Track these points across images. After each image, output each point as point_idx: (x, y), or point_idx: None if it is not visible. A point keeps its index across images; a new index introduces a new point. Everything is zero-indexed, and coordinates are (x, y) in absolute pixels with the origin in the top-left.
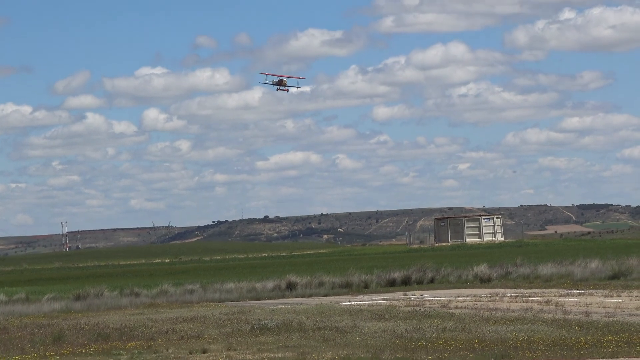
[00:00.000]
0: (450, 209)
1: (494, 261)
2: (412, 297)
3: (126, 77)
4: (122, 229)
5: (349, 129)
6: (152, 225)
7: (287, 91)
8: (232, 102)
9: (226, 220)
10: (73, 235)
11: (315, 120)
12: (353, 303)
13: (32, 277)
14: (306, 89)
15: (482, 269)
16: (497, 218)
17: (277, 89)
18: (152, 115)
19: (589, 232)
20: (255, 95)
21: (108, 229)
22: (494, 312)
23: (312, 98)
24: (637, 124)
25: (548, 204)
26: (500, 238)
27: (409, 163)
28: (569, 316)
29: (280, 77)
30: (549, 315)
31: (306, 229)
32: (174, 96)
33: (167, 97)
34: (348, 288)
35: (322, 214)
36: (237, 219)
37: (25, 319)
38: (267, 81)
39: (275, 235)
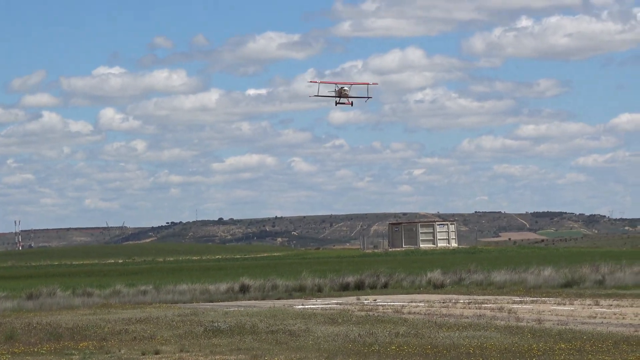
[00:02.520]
0: (404, 214)
1: (448, 267)
2: (366, 301)
3: (83, 77)
4: (76, 229)
5: (304, 133)
6: (105, 226)
7: (352, 104)
8: (188, 104)
9: (180, 222)
10: (26, 234)
11: (272, 123)
12: (306, 307)
13: None
14: (262, 91)
15: (436, 274)
16: (451, 224)
17: (337, 102)
18: (109, 114)
19: (542, 240)
20: (212, 96)
21: (61, 228)
22: (447, 318)
23: (269, 101)
24: (592, 133)
25: (502, 211)
26: (454, 244)
27: (364, 168)
28: (522, 323)
29: (341, 85)
30: (502, 322)
31: (260, 231)
32: (130, 96)
33: (124, 97)
34: (301, 292)
35: (276, 217)
36: (191, 221)
37: None
38: (319, 93)
39: (229, 237)
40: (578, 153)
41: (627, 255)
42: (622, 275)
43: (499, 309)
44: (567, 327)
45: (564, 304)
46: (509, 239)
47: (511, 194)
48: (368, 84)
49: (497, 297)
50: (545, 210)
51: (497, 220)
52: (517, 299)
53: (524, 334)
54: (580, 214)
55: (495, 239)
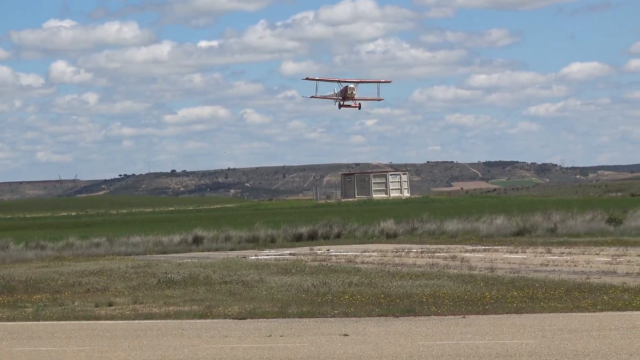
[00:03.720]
0: (357, 164)
1: (400, 217)
2: (319, 252)
3: (34, 30)
4: (28, 182)
5: (257, 84)
6: (58, 179)
7: (359, 108)
8: (140, 56)
9: (133, 174)
10: None
11: (224, 75)
12: (260, 257)
13: None
14: (214, 43)
15: (389, 224)
16: (403, 174)
17: (341, 105)
18: (60, 68)
19: (494, 189)
20: (164, 49)
21: (14, 182)
22: (400, 268)
23: (220, 52)
24: (544, 82)
25: (454, 161)
26: (406, 194)
27: (316, 119)
28: (474, 272)
29: (345, 84)
30: (455, 271)
31: (213, 183)
32: (82, 49)
33: (75, 50)
34: (255, 242)
35: (229, 168)
36: (144, 173)
37: None
38: (317, 93)
39: (182, 189)
40: (529, 102)
41: (578, 204)
42: (573, 223)
43: (452, 258)
44: (519, 275)
45: (516, 252)
46: (461, 188)
47: (463, 143)
48: (379, 81)
49: (449, 246)
50: (497, 160)
51: (449, 170)
52: (470, 247)
53: (476, 282)
54: (532, 163)
55: (448, 189)
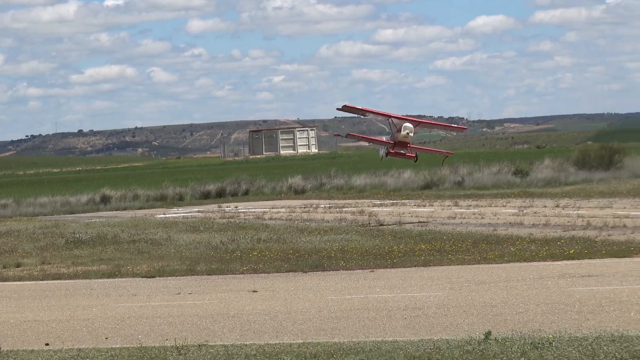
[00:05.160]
0: (264, 121)
1: (309, 173)
2: (227, 209)
3: None
4: None
5: (163, 42)
6: None
7: (416, 160)
8: (46, 16)
9: (40, 135)
10: None
11: (130, 34)
12: (168, 215)
13: None
14: (120, 2)
15: (297, 180)
16: (311, 130)
17: (388, 153)
18: None
19: None
20: (70, 8)
21: None
22: (308, 223)
23: (127, 11)
24: (450, 36)
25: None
26: (314, 150)
27: (223, 76)
28: (383, 226)
29: (398, 121)
30: (363, 226)
31: (120, 142)
32: None
33: None
34: (163, 201)
35: (136, 127)
36: (50, 133)
37: None
38: (355, 133)
39: (89, 149)
40: (436, 56)
41: (485, 156)
42: (480, 176)
43: (360, 212)
44: (427, 228)
45: (424, 206)
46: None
47: (370, 98)
48: (451, 126)
49: (357, 200)
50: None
51: (357, 126)
52: (378, 202)
53: (384, 236)
54: (439, 117)
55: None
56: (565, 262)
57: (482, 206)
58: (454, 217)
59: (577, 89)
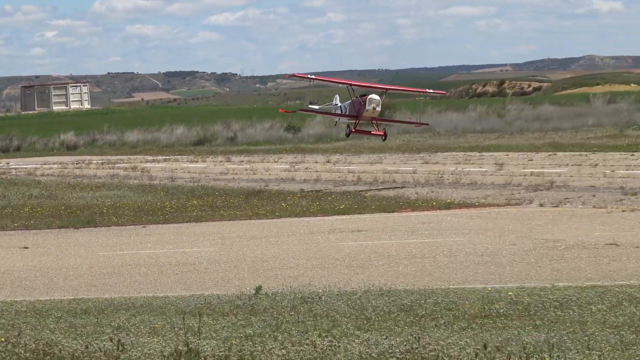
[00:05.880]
0: (37, 77)
1: (81, 129)
2: None
3: None
4: None
5: None
6: None
7: (384, 137)
8: None
9: None
10: None
11: None
12: None
13: None
14: None
15: (69, 136)
16: (84, 86)
17: (351, 131)
18: None
19: (175, 99)
20: None
21: None
22: (80, 179)
23: None
24: None
25: (135, 72)
26: (87, 106)
27: None
28: (155, 182)
29: (360, 90)
30: (135, 182)
31: None
32: None
33: None
34: None
35: None
36: None
37: None
38: (308, 106)
39: None
40: (210, 12)
41: (258, 112)
42: (253, 132)
43: (132, 169)
44: (200, 184)
45: (197, 162)
46: (142, 99)
47: (144, 54)
48: (425, 91)
49: (130, 157)
50: (178, 70)
51: (130, 81)
52: (150, 158)
53: (157, 192)
54: (212, 73)
55: (129, 100)
56: (335, 217)
57: (254, 162)
58: (226, 173)
59: (348, 45)
